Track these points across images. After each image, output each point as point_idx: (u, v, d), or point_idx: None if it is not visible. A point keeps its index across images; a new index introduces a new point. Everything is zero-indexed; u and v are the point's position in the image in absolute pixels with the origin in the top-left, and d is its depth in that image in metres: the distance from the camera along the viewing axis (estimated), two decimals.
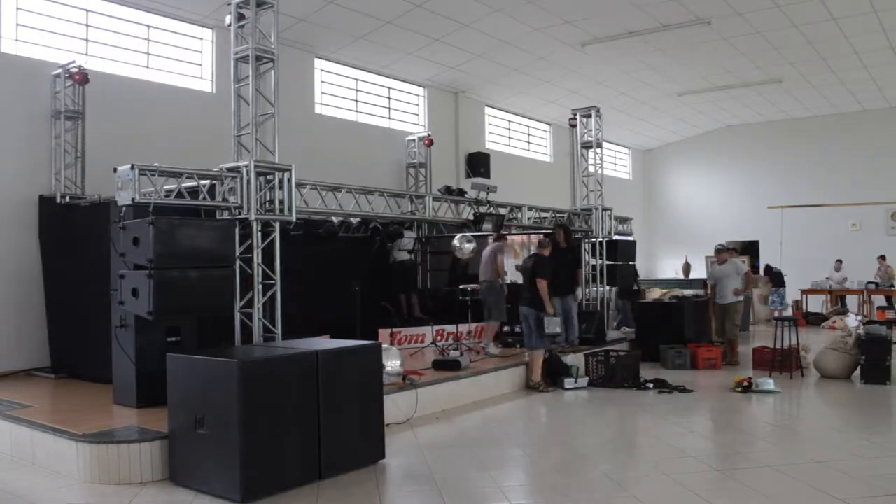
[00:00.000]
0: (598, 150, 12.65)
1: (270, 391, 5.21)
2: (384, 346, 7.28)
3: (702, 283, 15.22)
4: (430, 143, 14.04)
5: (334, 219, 10.46)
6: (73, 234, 8.68)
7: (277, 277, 7.26)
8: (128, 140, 9.58)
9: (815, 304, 18.51)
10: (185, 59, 11.16)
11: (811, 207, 19.66)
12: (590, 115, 12.67)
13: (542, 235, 10.78)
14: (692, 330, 11.42)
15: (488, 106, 16.97)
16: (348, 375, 5.75)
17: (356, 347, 6.07)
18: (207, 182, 6.85)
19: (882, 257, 18.04)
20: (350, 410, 5.71)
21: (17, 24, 9.30)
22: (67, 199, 9.01)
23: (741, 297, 11.31)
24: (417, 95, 15.25)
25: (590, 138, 12.65)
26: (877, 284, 17.50)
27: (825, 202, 19.70)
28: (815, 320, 16.59)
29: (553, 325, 8.90)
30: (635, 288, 13.91)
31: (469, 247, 10.10)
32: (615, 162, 22.50)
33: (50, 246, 9.02)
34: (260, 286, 7.13)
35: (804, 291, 18.27)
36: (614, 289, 13.20)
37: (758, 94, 17.97)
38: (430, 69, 14.30)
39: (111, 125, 9.60)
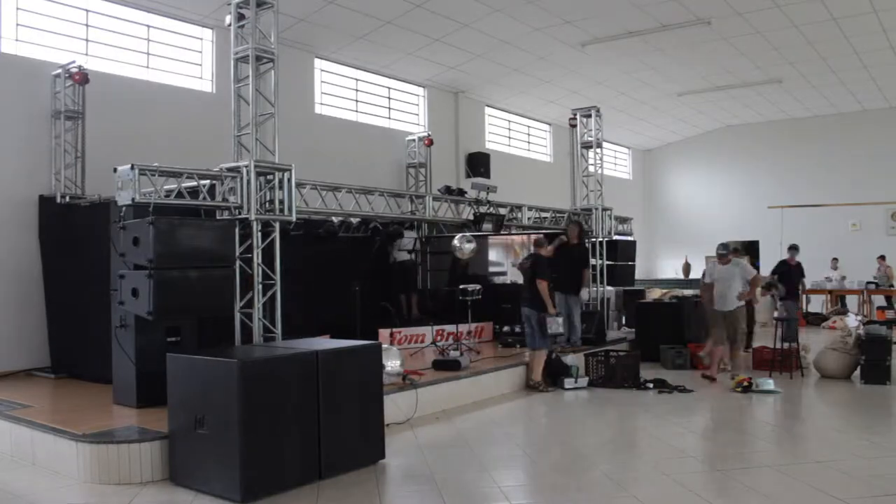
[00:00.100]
0: (598, 150, 12.65)
1: (270, 391, 5.21)
2: (384, 346, 7.28)
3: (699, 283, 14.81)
4: (430, 143, 14.03)
5: (334, 219, 10.46)
6: (73, 234, 8.68)
7: (277, 277, 7.26)
8: (128, 140, 9.58)
9: (816, 304, 18.51)
10: (185, 59, 11.16)
11: (811, 207, 19.65)
12: (590, 115, 12.67)
13: (540, 235, 10.77)
14: (692, 330, 11.41)
15: (488, 106, 16.96)
16: (348, 375, 5.75)
17: (356, 347, 6.07)
18: (207, 182, 6.85)
19: (882, 257, 18.04)
20: (350, 410, 5.71)
21: (17, 24, 9.29)
22: (67, 199, 9.00)
23: (743, 302, 9.62)
24: (417, 95, 15.24)
25: (590, 138, 12.66)
26: (877, 284, 17.50)
27: (825, 202, 19.69)
28: (815, 320, 16.58)
29: (556, 325, 8.91)
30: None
31: (469, 247, 10.11)
32: (615, 162, 22.50)
33: (50, 246, 9.01)
34: (260, 286, 7.14)
35: (804, 291, 18.23)
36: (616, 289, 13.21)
37: (758, 94, 17.97)
38: (430, 69, 14.30)
39: (111, 125, 9.60)
